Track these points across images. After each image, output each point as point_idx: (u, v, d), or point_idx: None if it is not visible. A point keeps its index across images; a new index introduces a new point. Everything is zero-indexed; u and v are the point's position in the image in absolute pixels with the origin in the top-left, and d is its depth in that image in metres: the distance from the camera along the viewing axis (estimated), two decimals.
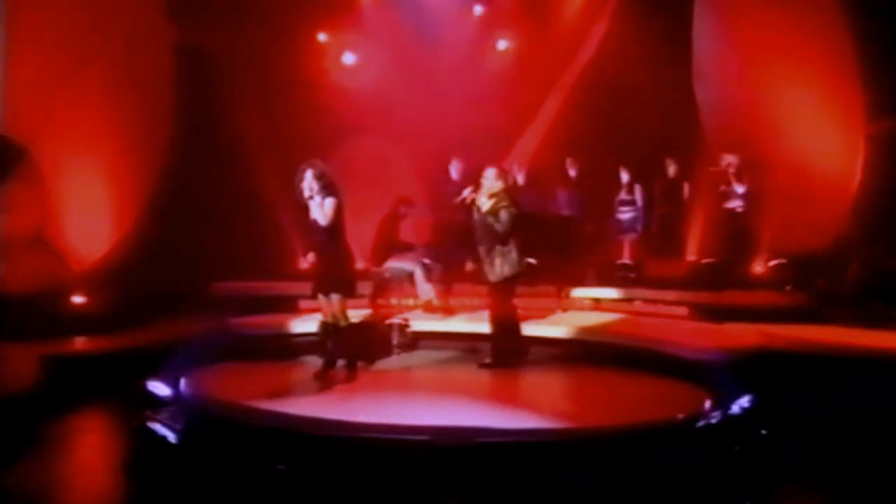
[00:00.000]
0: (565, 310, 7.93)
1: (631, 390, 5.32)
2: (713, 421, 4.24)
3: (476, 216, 5.89)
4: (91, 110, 7.78)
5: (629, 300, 8.14)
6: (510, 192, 5.90)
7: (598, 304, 8.19)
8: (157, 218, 8.24)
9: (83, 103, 7.69)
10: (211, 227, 8.63)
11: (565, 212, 9.18)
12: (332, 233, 5.43)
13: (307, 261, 9.80)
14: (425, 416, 4.35)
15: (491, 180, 5.87)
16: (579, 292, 8.30)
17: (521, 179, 9.09)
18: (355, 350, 5.63)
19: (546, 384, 5.80)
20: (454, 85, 10.10)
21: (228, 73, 9.27)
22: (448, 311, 7.65)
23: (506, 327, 5.99)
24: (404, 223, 7.89)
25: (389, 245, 7.67)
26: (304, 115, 9.49)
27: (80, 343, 6.73)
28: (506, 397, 5.20)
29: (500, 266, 5.78)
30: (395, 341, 6.81)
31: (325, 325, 5.59)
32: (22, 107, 7.07)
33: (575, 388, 5.81)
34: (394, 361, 6.48)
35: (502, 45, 10.71)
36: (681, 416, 4.33)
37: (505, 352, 5.95)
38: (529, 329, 6.60)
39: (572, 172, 9.24)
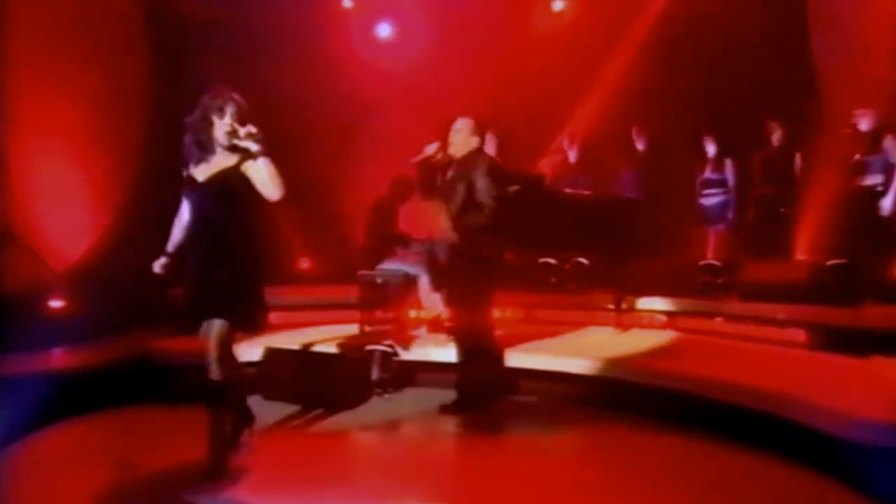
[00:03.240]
0: (626, 328, 6.08)
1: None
2: None
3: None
4: (58, 89, 6.58)
5: (716, 316, 6.08)
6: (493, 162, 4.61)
7: (671, 321, 6.24)
8: (140, 207, 6.98)
9: (48, 82, 6.49)
10: None
11: (629, 195, 7.34)
12: (243, 222, 3.50)
13: (306, 262, 8.47)
14: None
15: (464, 134, 4.58)
16: (646, 303, 6.37)
17: (572, 157, 7.70)
18: (242, 404, 3.60)
19: (582, 479, 3.59)
20: (497, 49, 8.42)
21: (223, 42, 7.81)
22: None
23: (480, 350, 4.54)
24: (406, 211, 6.06)
25: (385, 239, 5.94)
26: (318, 89, 8.08)
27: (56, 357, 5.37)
28: None
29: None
30: (374, 377, 4.94)
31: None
32: None
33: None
34: (369, 410, 4.69)
35: (558, 5, 9.04)
36: None
37: (474, 386, 4.52)
38: (563, 362, 4.72)
39: (640, 146, 7.61)
